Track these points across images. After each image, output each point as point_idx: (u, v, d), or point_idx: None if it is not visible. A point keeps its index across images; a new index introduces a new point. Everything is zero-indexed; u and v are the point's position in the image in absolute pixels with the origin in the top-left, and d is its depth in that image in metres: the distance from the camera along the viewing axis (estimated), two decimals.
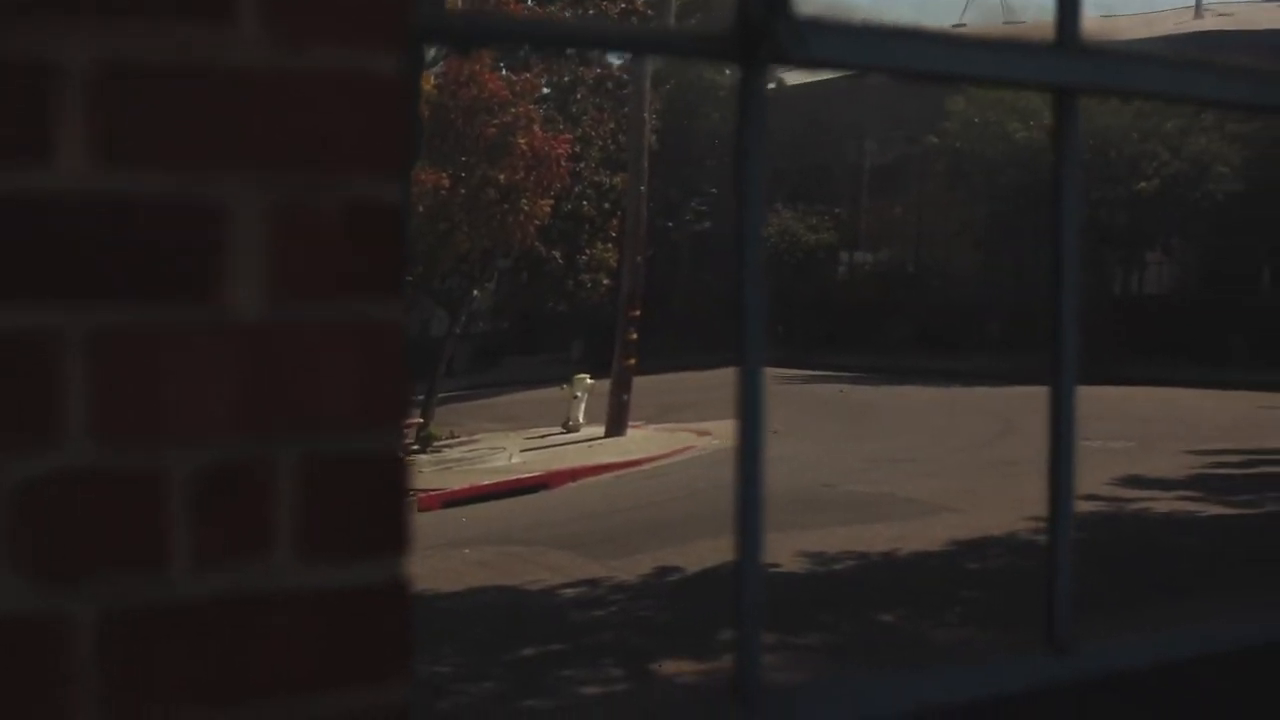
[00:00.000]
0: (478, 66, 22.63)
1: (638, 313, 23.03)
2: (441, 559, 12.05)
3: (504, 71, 26.08)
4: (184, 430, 1.27)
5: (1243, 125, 30.37)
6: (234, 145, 1.28)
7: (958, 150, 33.40)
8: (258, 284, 1.30)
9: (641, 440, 21.30)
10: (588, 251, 32.09)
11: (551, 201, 23.88)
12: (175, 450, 1.27)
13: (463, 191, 21.98)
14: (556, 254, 31.27)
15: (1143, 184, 30.63)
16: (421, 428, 22.87)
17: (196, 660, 1.29)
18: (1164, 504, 12.85)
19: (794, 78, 43.61)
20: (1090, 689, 2.00)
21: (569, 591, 10.29)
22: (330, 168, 1.33)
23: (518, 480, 17.88)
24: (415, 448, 21.81)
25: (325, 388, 1.33)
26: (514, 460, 19.90)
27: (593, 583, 10.47)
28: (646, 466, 18.54)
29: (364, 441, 1.35)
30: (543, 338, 42.22)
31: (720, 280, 41.45)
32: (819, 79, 42.36)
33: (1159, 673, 2.08)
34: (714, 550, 11.15)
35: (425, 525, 15.01)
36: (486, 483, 17.70)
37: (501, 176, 22.30)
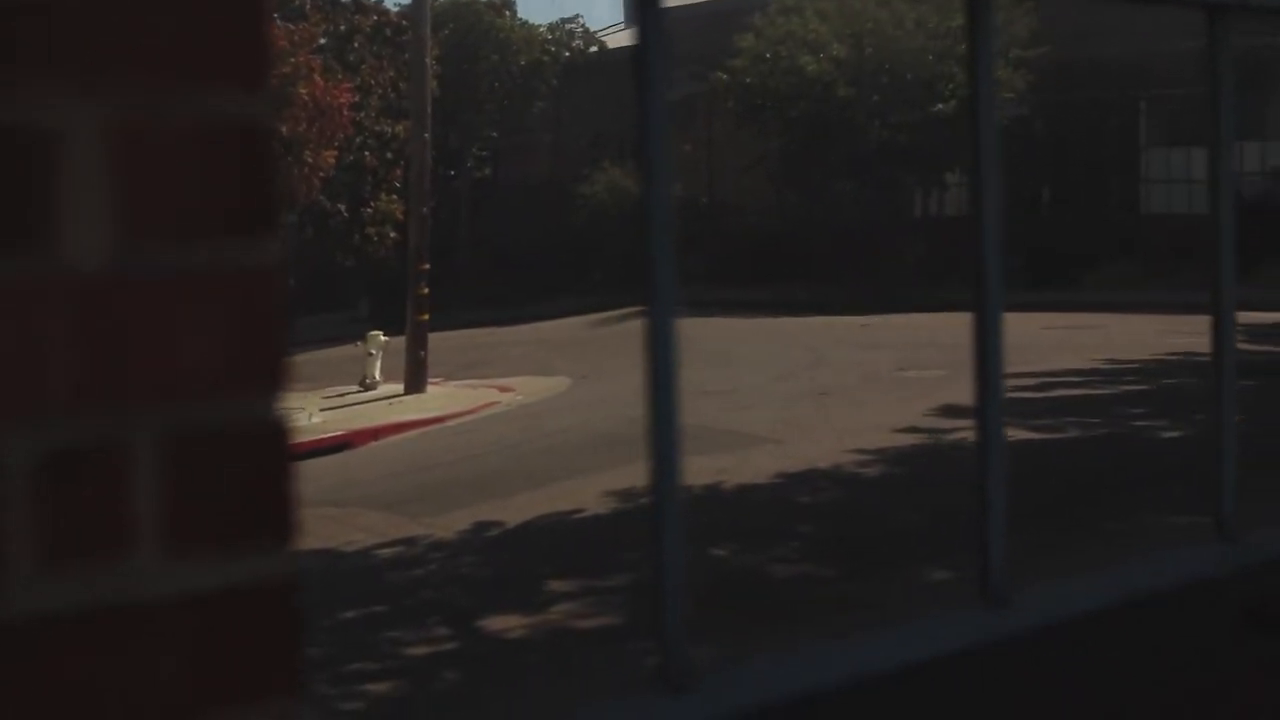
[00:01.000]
0: None
1: (427, 266, 22.63)
2: None
3: (280, 22, 25.42)
4: (14, 409, 1.03)
5: (1027, 52, 31.04)
6: (63, 53, 1.03)
7: (748, 85, 33.48)
8: (99, 226, 1.06)
9: (443, 397, 20.98)
10: (372, 204, 31.65)
11: (335, 153, 23.43)
12: (4, 434, 1.03)
13: None
14: (341, 207, 30.79)
15: (940, 105, 31.10)
16: None
17: (43, 687, 1.06)
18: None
19: (616, 40, 43.47)
20: (1030, 641, 1.84)
21: (386, 551, 10.00)
22: (183, 79, 1.09)
23: (320, 440, 17.45)
24: None
25: (187, 349, 1.10)
26: (314, 420, 19.46)
27: (410, 541, 10.19)
28: (451, 423, 18.22)
29: (238, 412, 1.12)
30: (329, 295, 41.58)
31: (505, 232, 41.16)
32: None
33: (1092, 621, 1.93)
34: (531, 503, 10.95)
35: None
36: None
37: (284, 128, 21.76)
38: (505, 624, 7.74)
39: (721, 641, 6.61)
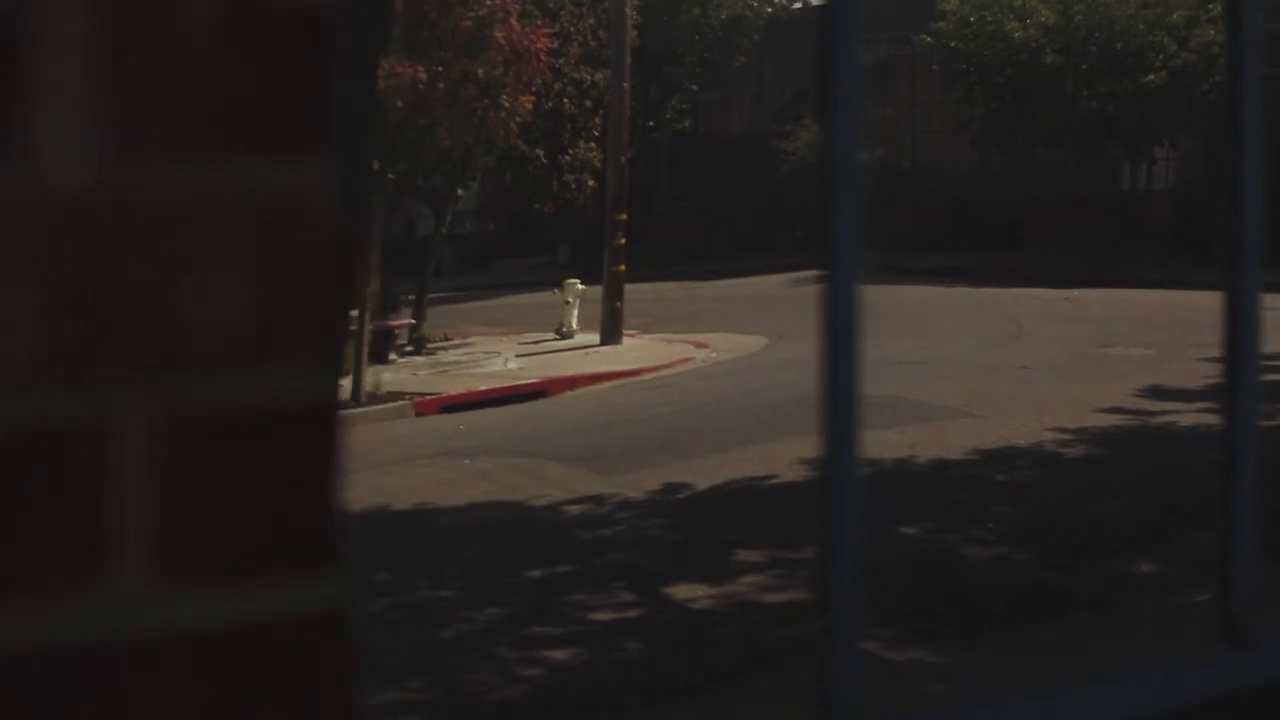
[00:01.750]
0: None
1: (624, 216, 22.43)
2: (441, 469, 11.54)
3: None
4: None
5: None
6: None
7: (952, 50, 32.84)
8: (84, 131, 0.79)
9: (638, 350, 20.80)
10: (570, 151, 31.58)
11: (533, 98, 23.29)
12: None
13: (441, 85, 21.31)
14: (540, 153, 30.77)
15: (1150, 76, 30.25)
16: (414, 329, 22.46)
17: None
18: (1187, 417, 12.34)
19: None
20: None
21: (574, 508, 9.75)
22: None
23: (516, 386, 17.38)
24: (409, 349, 21.44)
25: (196, 300, 0.81)
26: (510, 365, 19.43)
27: (598, 499, 9.94)
28: (646, 377, 18.00)
29: (262, 387, 0.83)
30: (528, 240, 41.80)
31: (703, 185, 40.87)
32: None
33: None
34: (723, 466, 10.64)
35: (424, 431, 14.52)
36: (483, 388, 17.26)
37: (480, 71, 21.65)
38: (691, 593, 7.44)
39: (906, 638, 6.26)
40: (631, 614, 7.28)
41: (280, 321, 0.82)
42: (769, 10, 41.54)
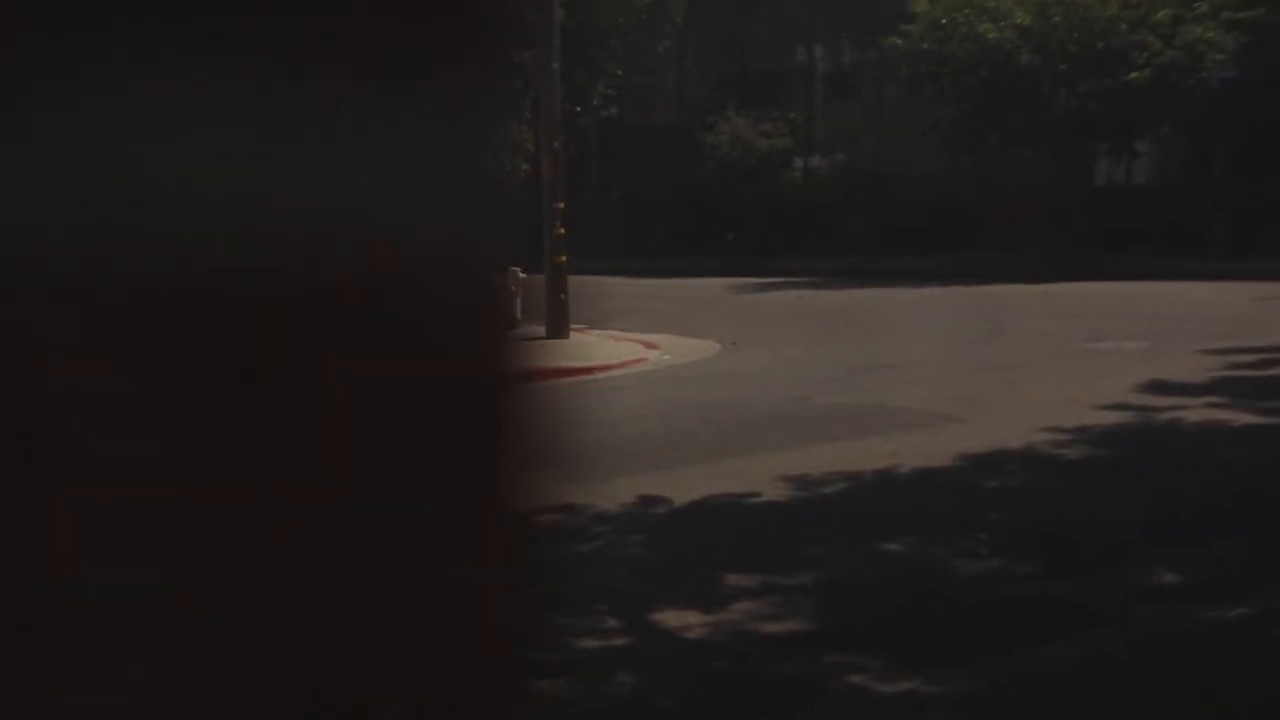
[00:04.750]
0: None
1: (562, 205, 21.85)
2: None
3: None
4: None
5: (1240, 13, 30.51)
6: None
7: (923, 52, 32.74)
8: None
9: (588, 346, 20.23)
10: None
11: None
12: None
13: None
14: None
15: (1134, 74, 30.44)
16: None
17: None
18: (1195, 412, 11.98)
19: None
20: None
21: (545, 518, 9.23)
22: None
23: None
24: None
25: None
26: None
27: (570, 509, 9.34)
28: (600, 375, 17.35)
29: None
30: None
31: (634, 175, 40.20)
32: None
33: None
34: (699, 480, 10.09)
35: None
36: None
37: None
38: (682, 620, 6.96)
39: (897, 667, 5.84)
40: (619, 641, 6.81)
41: None
42: None
